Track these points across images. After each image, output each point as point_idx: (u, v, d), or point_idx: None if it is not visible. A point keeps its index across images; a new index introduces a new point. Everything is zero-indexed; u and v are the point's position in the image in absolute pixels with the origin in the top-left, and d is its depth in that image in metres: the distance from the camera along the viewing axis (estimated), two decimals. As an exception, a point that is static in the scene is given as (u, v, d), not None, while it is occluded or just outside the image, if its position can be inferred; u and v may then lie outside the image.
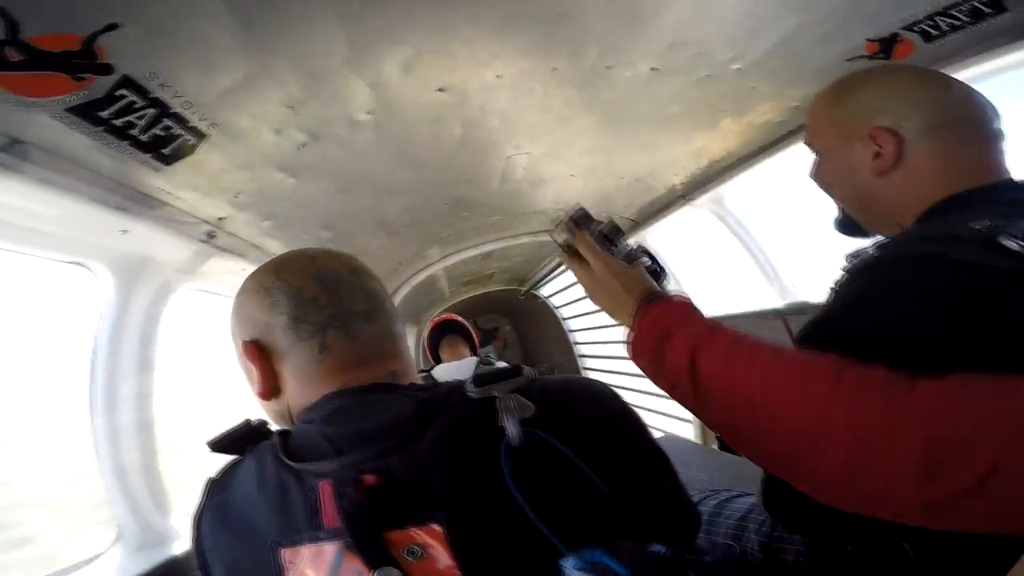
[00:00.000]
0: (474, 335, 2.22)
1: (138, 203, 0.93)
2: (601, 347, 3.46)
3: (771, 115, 1.34)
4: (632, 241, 0.82)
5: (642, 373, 0.69)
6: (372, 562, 0.40)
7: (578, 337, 3.85)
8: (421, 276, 2.52)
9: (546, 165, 1.59)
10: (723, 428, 0.60)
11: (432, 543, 0.40)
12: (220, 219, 1.17)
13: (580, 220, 0.84)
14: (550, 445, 0.44)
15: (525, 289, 3.87)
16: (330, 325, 0.56)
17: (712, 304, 2.10)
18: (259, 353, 0.57)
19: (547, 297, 3.86)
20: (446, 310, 3.39)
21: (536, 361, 4.47)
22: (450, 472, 0.43)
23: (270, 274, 0.59)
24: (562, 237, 0.84)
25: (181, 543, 1.20)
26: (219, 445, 0.55)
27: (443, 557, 0.40)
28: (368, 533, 0.41)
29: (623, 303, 0.72)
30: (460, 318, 2.26)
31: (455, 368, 1.94)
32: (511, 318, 4.81)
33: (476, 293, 3.86)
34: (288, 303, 0.56)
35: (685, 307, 0.66)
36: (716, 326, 0.62)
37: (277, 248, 1.43)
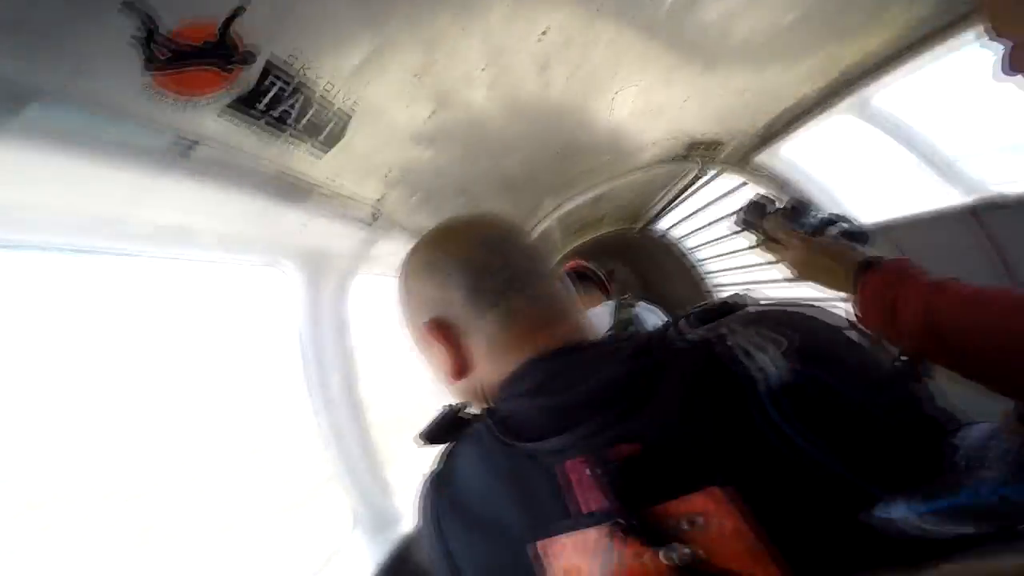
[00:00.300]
0: (605, 279, 2.12)
1: (309, 194, 0.91)
2: (733, 274, 3.20)
3: (914, 12, 1.11)
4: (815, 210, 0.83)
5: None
6: (654, 541, 0.33)
7: (708, 267, 3.59)
8: (538, 229, 2.48)
9: (656, 94, 1.43)
10: (975, 373, 0.57)
11: (713, 508, 0.33)
12: (378, 200, 1.16)
13: (761, 206, 0.87)
14: (818, 380, 0.36)
15: (640, 226, 3.69)
16: (509, 289, 0.51)
17: (883, 212, 1.81)
18: (443, 331, 0.52)
19: (665, 231, 3.64)
20: (564, 258, 3.33)
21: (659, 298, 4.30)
22: (708, 426, 0.36)
23: (432, 249, 0.55)
24: (748, 225, 0.88)
25: (407, 522, 1.25)
26: (430, 436, 0.51)
27: (728, 521, 0.33)
28: (640, 510, 0.35)
29: (839, 277, 0.73)
30: (587, 263, 2.18)
31: (598, 314, 1.86)
32: (624, 259, 4.64)
33: (587, 238, 3.75)
34: (461, 274, 0.52)
35: (903, 268, 0.65)
36: (940, 281, 0.61)
37: (428, 221, 1.41)
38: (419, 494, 0.50)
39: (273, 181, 0.82)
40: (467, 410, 0.54)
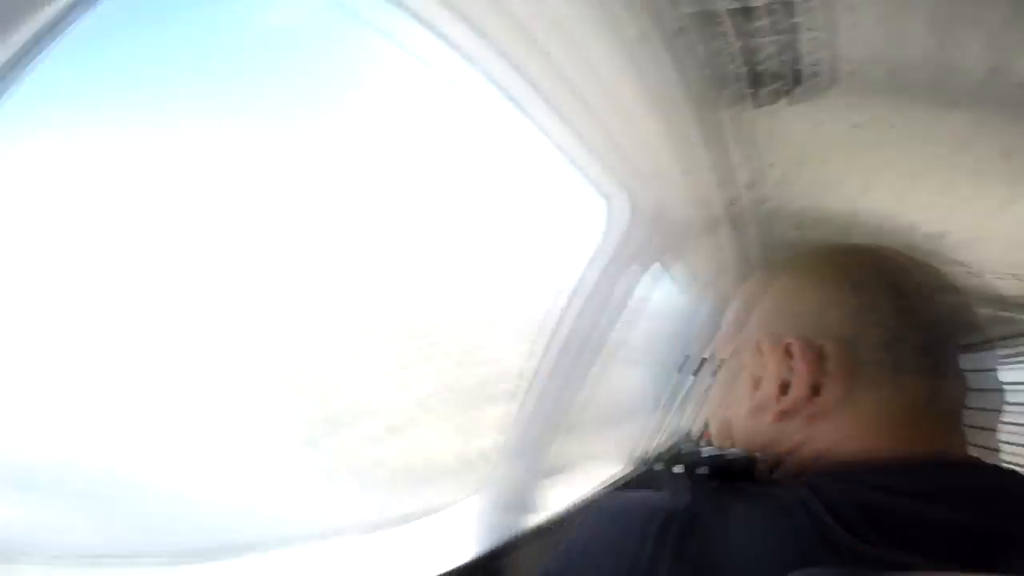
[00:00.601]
0: None
1: (703, 142, 0.77)
2: None
3: None
4: None
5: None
6: None
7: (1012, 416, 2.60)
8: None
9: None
10: None
11: None
12: (746, 185, 0.96)
13: None
14: None
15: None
16: (942, 360, 0.39)
17: None
18: (815, 358, 0.40)
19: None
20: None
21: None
22: None
23: (865, 268, 0.43)
24: None
25: (532, 519, 1.10)
26: (716, 470, 0.39)
27: None
28: None
29: None
30: None
31: None
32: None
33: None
34: (896, 314, 0.39)
35: None
36: None
37: (754, 241, 1.18)
38: (616, 519, 0.39)
39: (688, 112, 0.71)
40: (757, 466, 0.41)
